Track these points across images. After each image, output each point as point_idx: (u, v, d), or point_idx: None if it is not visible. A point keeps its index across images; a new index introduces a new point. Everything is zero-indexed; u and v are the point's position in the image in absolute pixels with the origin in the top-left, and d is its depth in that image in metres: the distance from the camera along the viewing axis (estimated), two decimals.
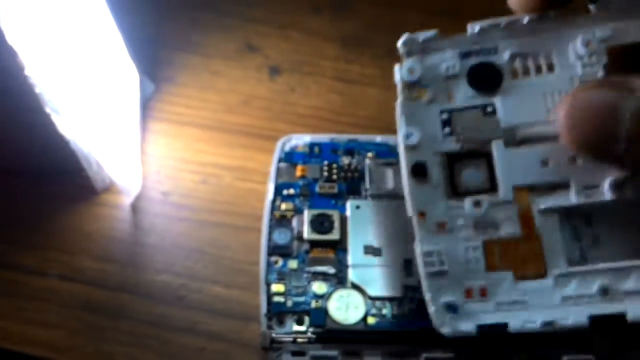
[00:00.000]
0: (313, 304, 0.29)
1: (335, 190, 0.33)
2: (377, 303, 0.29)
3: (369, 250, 0.30)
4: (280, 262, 0.31)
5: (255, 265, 0.31)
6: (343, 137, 0.35)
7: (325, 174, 0.34)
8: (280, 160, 0.34)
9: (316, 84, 0.40)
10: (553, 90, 0.19)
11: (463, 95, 0.19)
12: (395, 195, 0.32)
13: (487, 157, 0.19)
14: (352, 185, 0.33)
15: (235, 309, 0.31)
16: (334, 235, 0.31)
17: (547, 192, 0.19)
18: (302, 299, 0.29)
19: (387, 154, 0.34)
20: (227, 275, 0.32)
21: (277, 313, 0.29)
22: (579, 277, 0.19)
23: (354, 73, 0.41)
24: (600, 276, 0.19)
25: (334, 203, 0.32)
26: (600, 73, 0.19)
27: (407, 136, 0.19)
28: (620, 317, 0.19)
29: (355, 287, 0.29)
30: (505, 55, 0.19)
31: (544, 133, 0.19)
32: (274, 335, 0.28)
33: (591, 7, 0.20)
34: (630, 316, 0.19)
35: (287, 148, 0.35)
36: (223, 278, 0.32)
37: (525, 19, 0.19)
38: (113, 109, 0.35)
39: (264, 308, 0.29)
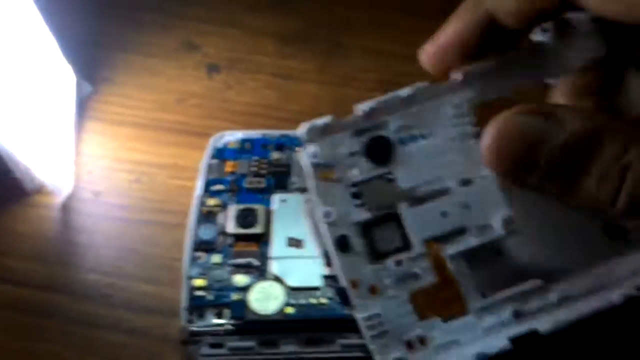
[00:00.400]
0: (234, 297, 0.29)
1: (264, 185, 0.33)
2: (297, 293, 0.29)
3: (292, 242, 0.31)
4: (204, 257, 0.31)
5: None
6: (275, 133, 0.35)
7: (254, 169, 0.34)
8: (212, 157, 0.34)
9: (253, 81, 0.40)
10: (436, 151, 0.21)
11: (365, 168, 0.21)
12: None
13: (397, 219, 0.21)
14: (280, 179, 0.33)
15: (161, 306, 0.31)
16: (257, 229, 0.31)
17: (452, 239, 0.21)
18: (223, 292, 0.29)
19: None
20: (155, 272, 0.32)
21: (198, 307, 0.29)
22: (494, 307, 0.22)
23: (292, 69, 0.41)
24: (510, 302, 0.22)
25: (261, 198, 0.33)
26: (471, 129, 0.22)
27: (326, 215, 0.20)
28: (535, 334, 0.21)
29: (276, 278, 0.30)
30: (392, 127, 0.21)
31: (437, 189, 0.21)
32: (193, 328, 0.28)
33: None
34: (542, 330, 0.21)
35: (219, 145, 0.35)
36: (151, 275, 0.32)
37: (404, 93, 0.21)
38: (43, 110, 0.35)
39: (184, 302, 0.29)
